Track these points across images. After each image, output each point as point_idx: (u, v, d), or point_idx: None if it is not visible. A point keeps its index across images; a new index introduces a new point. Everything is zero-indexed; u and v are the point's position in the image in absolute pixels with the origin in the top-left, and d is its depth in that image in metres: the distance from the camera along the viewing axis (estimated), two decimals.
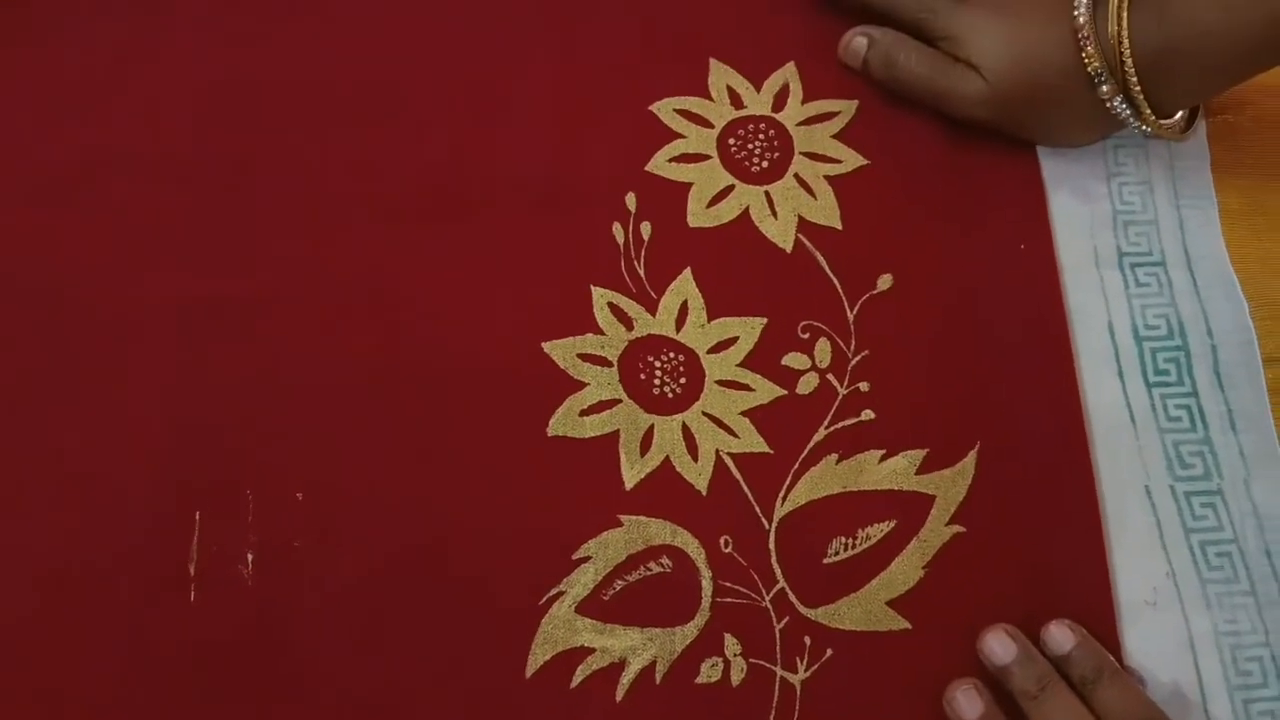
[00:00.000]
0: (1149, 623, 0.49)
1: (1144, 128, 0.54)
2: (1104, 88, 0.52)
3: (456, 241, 0.54)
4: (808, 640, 0.48)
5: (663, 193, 0.55)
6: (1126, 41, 0.51)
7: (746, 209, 0.55)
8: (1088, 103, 0.53)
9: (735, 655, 0.47)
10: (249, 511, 0.49)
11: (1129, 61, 0.51)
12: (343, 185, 0.55)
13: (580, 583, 0.48)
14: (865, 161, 0.56)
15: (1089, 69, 0.52)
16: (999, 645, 0.47)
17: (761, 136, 0.56)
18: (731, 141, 0.56)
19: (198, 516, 0.48)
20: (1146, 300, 0.54)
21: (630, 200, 0.55)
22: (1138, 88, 0.52)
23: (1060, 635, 0.47)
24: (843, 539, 0.49)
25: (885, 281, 0.53)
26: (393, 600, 0.48)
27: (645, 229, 0.54)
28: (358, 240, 0.54)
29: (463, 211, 0.55)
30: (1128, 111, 0.53)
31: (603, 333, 0.52)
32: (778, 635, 0.48)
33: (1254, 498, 0.50)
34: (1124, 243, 0.55)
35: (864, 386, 0.52)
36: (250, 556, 0.48)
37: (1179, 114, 0.55)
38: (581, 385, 0.51)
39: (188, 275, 0.53)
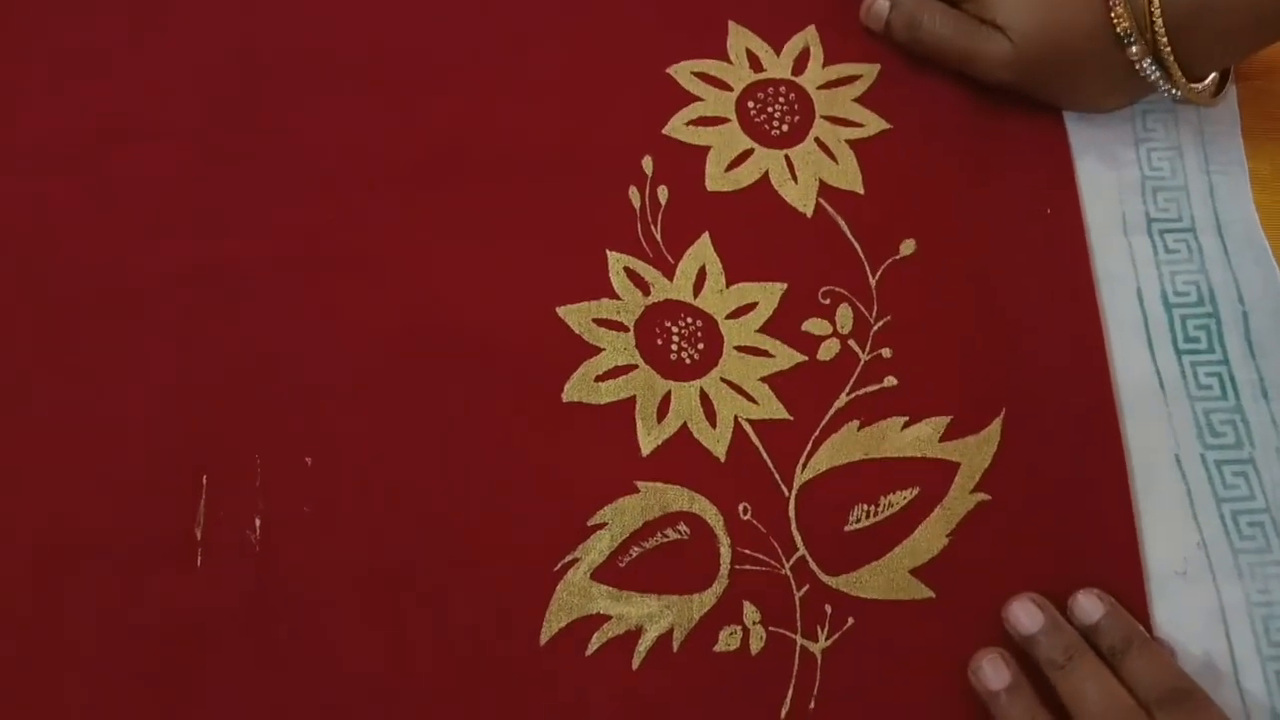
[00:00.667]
0: (1179, 593, 0.47)
1: (1174, 91, 0.52)
2: (1133, 48, 0.51)
3: (468, 204, 0.53)
4: (829, 609, 0.47)
5: (680, 156, 0.54)
6: (1156, 1, 0.50)
7: (766, 173, 0.54)
8: (1116, 65, 0.52)
9: (754, 623, 0.46)
10: (257, 476, 0.48)
11: (1159, 21, 0.50)
12: (354, 151, 0.54)
13: (596, 549, 0.47)
14: (888, 125, 0.55)
15: (1118, 29, 0.50)
16: (1025, 614, 0.46)
17: (781, 100, 0.55)
18: (751, 105, 0.55)
19: (204, 481, 0.47)
20: (1176, 267, 0.53)
21: (647, 164, 0.54)
22: (1168, 48, 0.50)
23: (1088, 604, 0.46)
24: (864, 506, 0.48)
25: (908, 246, 0.52)
26: (403, 566, 0.47)
27: (662, 193, 0.53)
28: (369, 205, 0.53)
29: (476, 176, 0.53)
30: (1157, 74, 0.52)
31: (619, 298, 0.51)
32: (798, 603, 0.47)
33: None
34: (1153, 208, 0.54)
35: (886, 353, 0.50)
36: (258, 522, 0.47)
37: (1209, 78, 0.54)
38: (597, 350, 0.50)
39: (197, 240, 0.52)
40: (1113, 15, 0.50)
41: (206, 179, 0.53)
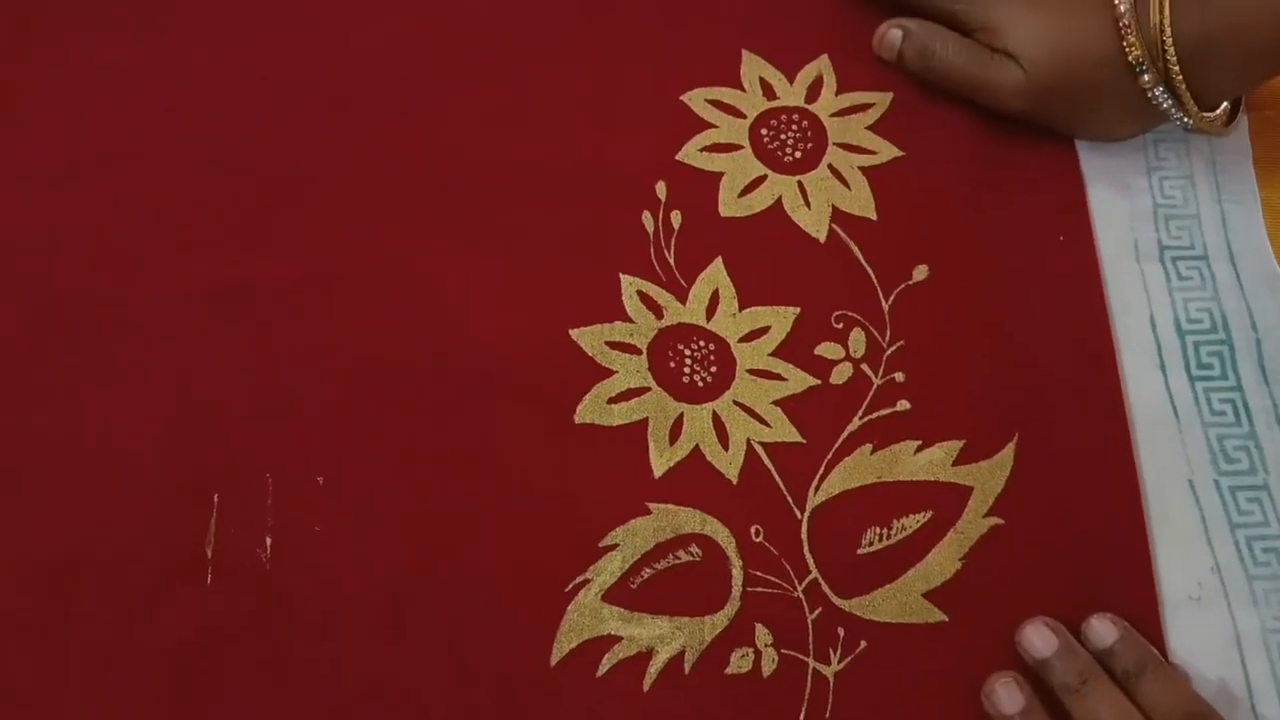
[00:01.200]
0: (1193, 618, 0.47)
1: (1186, 120, 0.53)
2: (1145, 77, 0.51)
3: (483, 228, 0.53)
4: (841, 632, 0.47)
5: (693, 182, 0.54)
6: (1169, 29, 0.50)
7: (779, 199, 0.54)
8: (1128, 94, 0.52)
9: (766, 646, 0.46)
10: (268, 495, 0.48)
11: (1171, 50, 0.50)
12: (369, 172, 0.54)
13: (607, 570, 0.47)
14: (900, 153, 0.55)
15: (1130, 58, 0.51)
16: (1039, 638, 0.46)
17: (795, 127, 0.56)
18: (764, 132, 0.56)
19: (216, 499, 0.48)
20: (1189, 294, 0.53)
21: (660, 189, 0.54)
22: (1180, 77, 0.51)
23: (1102, 629, 0.46)
24: (877, 529, 0.48)
25: (921, 272, 0.53)
26: (415, 586, 0.47)
27: (675, 218, 0.53)
28: (384, 226, 0.53)
29: (490, 198, 0.54)
30: (1169, 102, 0.52)
31: (632, 320, 0.51)
32: (810, 626, 0.47)
33: None
34: (1165, 236, 0.54)
35: (899, 377, 0.50)
36: (269, 540, 0.47)
37: (1221, 107, 0.55)
38: (610, 373, 0.50)
39: (209, 260, 0.52)
40: (1125, 44, 0.51)
41: (220, 198, 0.54)
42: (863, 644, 0.46)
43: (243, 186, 0.54)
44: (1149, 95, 0.52)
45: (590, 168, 0.55)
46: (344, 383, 0.50)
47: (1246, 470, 0.49)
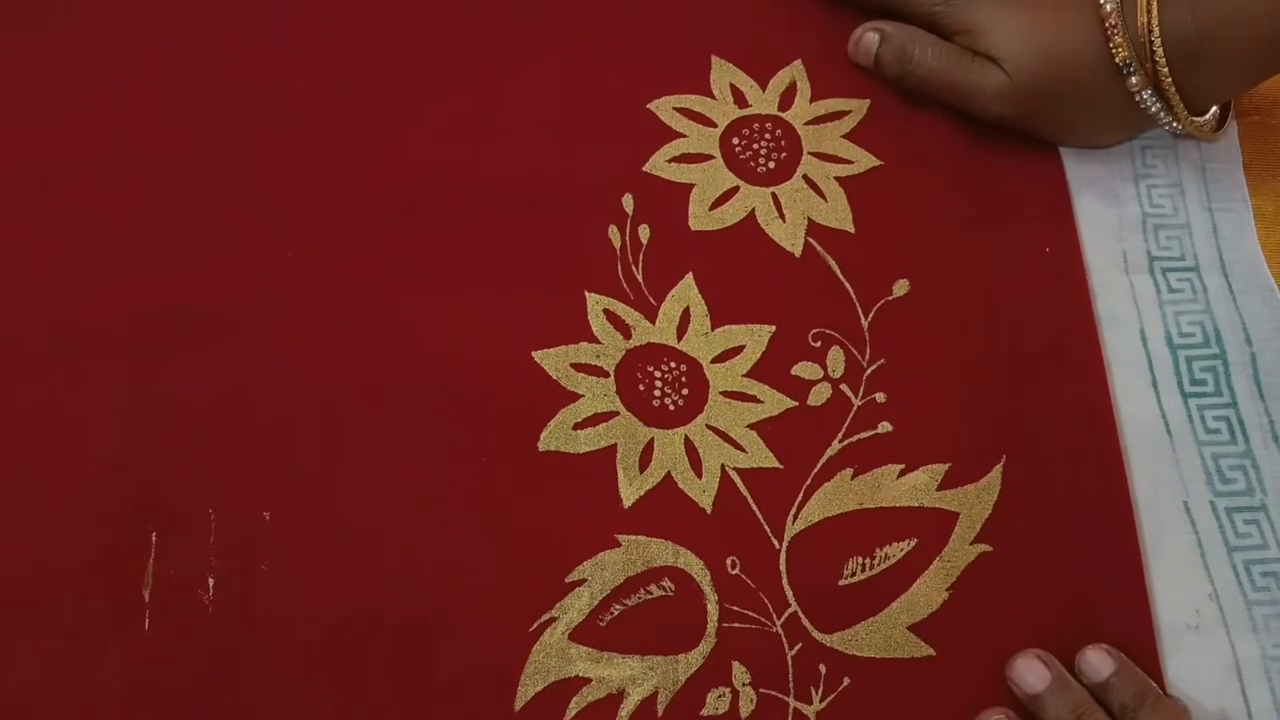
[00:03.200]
0: (1192, 647, 0.45)
1: (1175, 125, 0.51)
2: (1133, 79, 0.49)
3: (440, 245, 0.50)
4: (823, 668, 0.44)
5: (662, 194, 0.52)
6: (1156, 29, 0.48)
7: (752, 211, 0.51)
8: (1115, 97, 0.50)
9: (744, 685, 0.43)
10: (210, 532, 0.45)
11: (1159, 51, 0.48)
12: (318, 188, 0.51)
13: (574, 608, 0.44)
14: (878, 162, 0.53)
15: (1117, 59, 0.49)
16: (1031, 672, 0.43)
17: (767, 136, 0.53)
18: (735, 141, 0.53)
19: (154, 536, 0.45)
20: (1180, 307, 0.50)
21: (627, 202, 0.51)
22: (1169, 79, 0.49)
23: (1098, 661, 0.43)
24: (859, 559, 0.46)
25: (901, 287, 0.50)
26: (368, 629, 0.44)
27: (643, 232, 0.51)
28: (334, 245, 0.50)
29: (447, 214, 0.51)
30: (1158, 106, 0.50)
31: (598, 341, 0.49)
32: (790, 663, 0.44)
33: None
34: (1154, 247, 0.52)
35: (880, 397, 0.48)
36: (212, 581, 0.44)
37: (1211, 112, 0.53)
38: (575, 397, 0.48)
39: (151, 283, 0.49)
40: (1111, 45, 0.49)
41: (168, 219, 0.51)
42: (846, 681, 0.44)
43: (192, 206, 0.51)
44: (1137, 99, 0.50)
45: (554, 181, 0.52)
46: (292, 411, 0.47)
47: (1244, 490, 0.47)
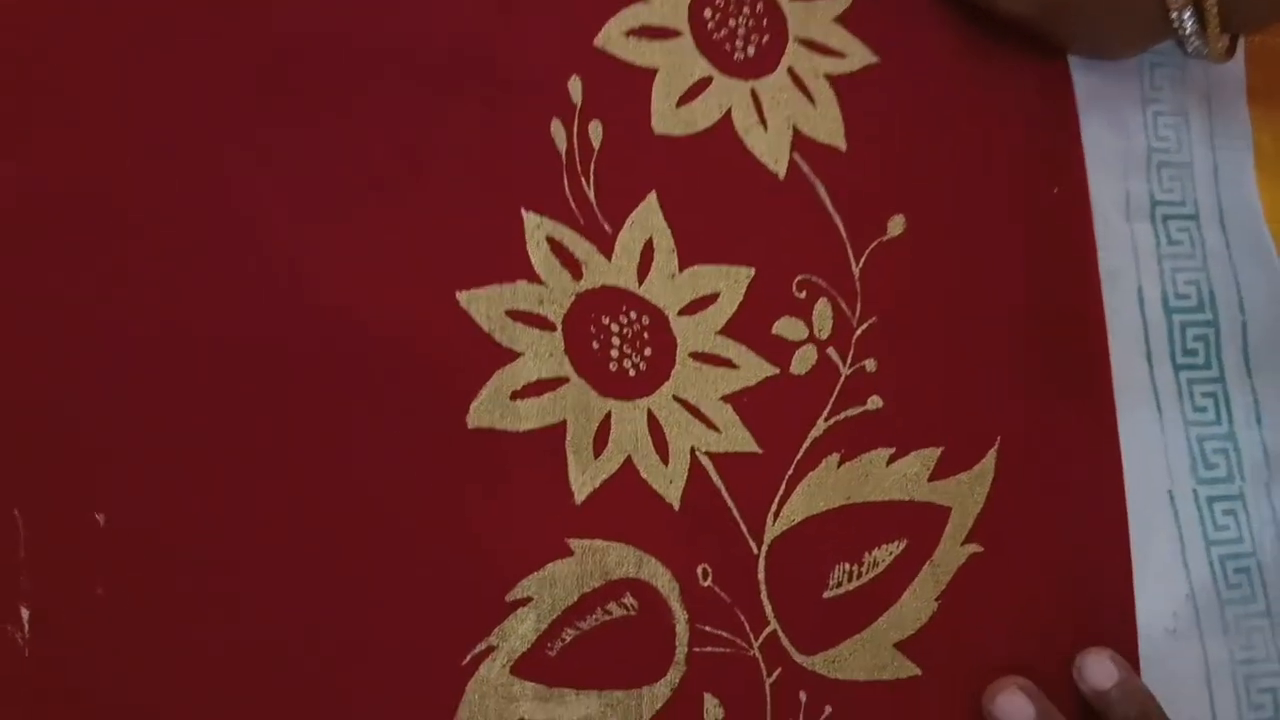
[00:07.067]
0: (1169, 654, 0.42)
1: (1201, 45, 0.44)
2: None
3: (328, 140, 0.37)
4: (803, 696, 0.38)
5: (618, 79, 0.40)
6: None
7: (728, 113, 0.41)
8: (1149, 8, 0.42)
9: None
10: (20, 543, 0.33)
11: None
12: (177, 66, 0.36)
13: (517, 634, 0.36)
14: (874, 59, 0.42)
15: None
16: (1013, 708, 0.39)
17: (746, 11, 0.41)
18: (708, 14, 0.41)
19: None
20: (1178, 262, 0.45)
21: (574, 87, 0.39)
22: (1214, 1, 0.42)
23: (1100, 668, 0.40)
24: (846, 566, 0.39)
25: (897, 225, 0.42)
26: (250, 672, 0.34)
27: (595, 131, 0.39)
28: (193, 145, 0.36)
29: (336, 98, 0.37)
30: (1192, 25, 0.43)
31: (541, 280, 0.38)
32: (768, 691, 0.38)
33: (1275, 504, 0.44)
34: (1158, 189, 0.46)
35: (870, 365, 0.40)
36: (25, 612, 0.33)
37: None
38: (513, 355, 0.37)
39: None
40: None
41: None
42: (828, 710, 0.38)
43: None
44: (1173, 17, 0.42)
45: (477, 55, 0.39)
46: (135, 371, 0.34)
47: (1224, 478, 0.44)
